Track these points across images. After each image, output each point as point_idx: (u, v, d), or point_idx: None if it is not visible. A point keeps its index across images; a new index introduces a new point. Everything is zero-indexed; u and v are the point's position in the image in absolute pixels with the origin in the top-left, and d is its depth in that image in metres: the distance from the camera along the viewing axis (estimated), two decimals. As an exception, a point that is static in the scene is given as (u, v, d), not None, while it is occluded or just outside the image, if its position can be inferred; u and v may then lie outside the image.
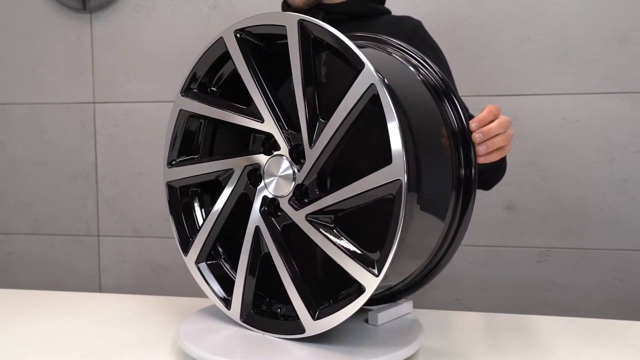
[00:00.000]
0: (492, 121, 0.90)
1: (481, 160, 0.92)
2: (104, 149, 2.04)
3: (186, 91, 0.98)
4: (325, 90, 0.87)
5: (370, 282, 0.79)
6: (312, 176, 0.86)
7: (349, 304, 0.81)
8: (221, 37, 0.92)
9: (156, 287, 2.01)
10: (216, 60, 0.95)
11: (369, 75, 0.78)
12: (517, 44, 1.76)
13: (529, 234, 1.79)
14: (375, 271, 0.79)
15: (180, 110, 0.98)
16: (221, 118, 0.94)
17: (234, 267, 0.96)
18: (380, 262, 0.78)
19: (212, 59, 0.95)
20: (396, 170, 0.75)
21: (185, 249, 0.99)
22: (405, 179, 0.75)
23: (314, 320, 0.85)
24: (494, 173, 1.16)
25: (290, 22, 0.84)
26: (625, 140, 1.72)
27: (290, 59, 0.85)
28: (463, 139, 0.90)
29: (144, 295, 1.24)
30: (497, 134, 0.90)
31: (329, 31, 0.82)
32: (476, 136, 0.89)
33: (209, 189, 1.02)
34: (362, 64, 0.79)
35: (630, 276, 1.75)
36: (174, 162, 1.01)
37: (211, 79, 0.99)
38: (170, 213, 1.01)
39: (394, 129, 0.75)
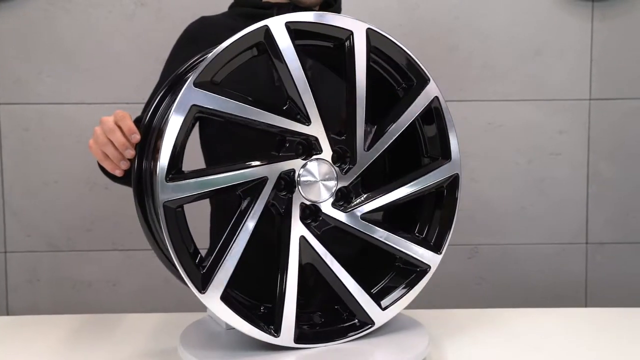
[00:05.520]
0: None
1: None
2: (12, 156, 1.83)
3: (204, 84, 0.80)
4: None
5: (434, 261, 0.99)
6: (358, 178, 0.89)
7: (414, 286, 0.98)
8: (265, 26, 0.82)
9: (77, 306, 1.84)
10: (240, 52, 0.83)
11: (433, 89, 0.96)
12: (445, 53, 1.86)
13: (460, 232, 1.89)
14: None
15: (192, 105, 0.79)
16: (255, 119, 0.82)
17: (245, 292, 0.88)
18: (438, 242, 1.01)
19: (238, 50, 0.82)
20: (455, 167, 0.98)
21: (204, 285, 0.80)
22: (461, 172, 0.98)
23: (382, 310, 0.93)
24: None
25: (359, 28, 0.89)
26: (541, 143, 1.88)
27: (356, 65, 0.88)
28: None
29: (75, 314, 1.15)
30: None
31: (396, 44, 0.93)
32: None
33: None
34: (428, 79, 0.96)
35: (548, 267, 1.91)
36: (173, 174, 0.78)
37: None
38: (171, 241, 0.79)
39: (453, 134, 0.99)
